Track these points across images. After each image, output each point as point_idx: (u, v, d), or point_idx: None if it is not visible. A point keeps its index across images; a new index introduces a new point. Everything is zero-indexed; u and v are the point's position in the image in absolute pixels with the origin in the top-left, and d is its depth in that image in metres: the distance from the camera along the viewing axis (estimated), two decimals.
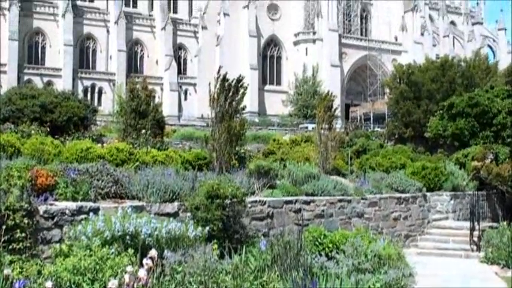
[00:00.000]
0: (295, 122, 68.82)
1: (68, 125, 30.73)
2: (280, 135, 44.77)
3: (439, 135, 32.04)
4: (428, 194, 20.07)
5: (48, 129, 25.02)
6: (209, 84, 19.89)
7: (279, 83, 79.28)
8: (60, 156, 14.81)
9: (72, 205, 9.96)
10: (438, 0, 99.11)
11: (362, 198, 16.91)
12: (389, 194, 18.40)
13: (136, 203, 11.22)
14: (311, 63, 76.03)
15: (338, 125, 57.75)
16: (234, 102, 17.36)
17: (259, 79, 75.97)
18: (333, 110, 21.38)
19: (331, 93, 22.42)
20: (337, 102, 67.38)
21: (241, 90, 17.71)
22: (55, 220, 9.57)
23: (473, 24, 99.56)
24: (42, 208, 9.44)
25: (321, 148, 20.36)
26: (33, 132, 22.67)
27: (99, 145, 18.31)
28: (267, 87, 77.85)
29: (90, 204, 10.29)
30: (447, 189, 21.05)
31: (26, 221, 8.87)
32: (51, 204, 9.74)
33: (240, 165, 17.76)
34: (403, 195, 18.70)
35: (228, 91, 17.13)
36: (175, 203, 11.57)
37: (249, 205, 12.84)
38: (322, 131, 20.67)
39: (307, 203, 14.93)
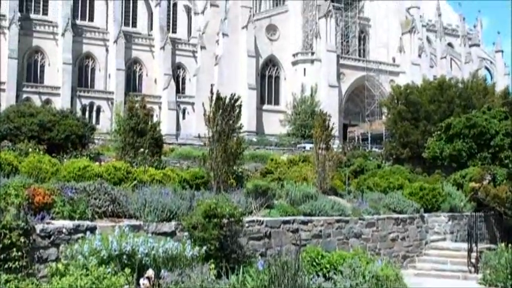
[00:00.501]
0: (293, 142, 68.88)
1: (66, 143, 30.69)
2: (278, 154, 44.80)
3: (437, 156, 32.10)
4: (426, 215, 20.03)
5: (46, 148, 24.99)
6: (203, 104, 19.91)
7: (277, 102, 79.52)
8: (58, 174, 14.80)
9: (69, 224, 9.93)
10: (435, 22, 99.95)
11: (360, 219, 16.88)
12: (387, 215, 18.37)
13: (133, 222, 11.19)
14: (309, 84, 76.38)
15: (336, 145, 57.88)
16: (230, 121, 17.39)
17: (258, 99, 76.22)
18: (330, 129, 21.42)
19: (328, 113, 22.48)
20: (335, 122, 67.68)
21: (237, 109, 17.76)
22: (52, 239, 9.53)
23: (470, 46, 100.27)
24: (39, 227, 9.40)
25: (318, 168, 20.36)
26: (30, 150, 22.65)
27: (97, 163, 18.29)
28: (265, 106, 78.07)
29: (87, 223, 10.26)
30: (445, 210, 21.03)
31: (22, 239, 8.83)
32: (48, 223, 9.70)
33: (237, 184, 17.75)
34: (400, 216, 18.66)
35: (224, 110, 17.18)
36: (173, 222, 11.54)
37: (247, 225, 12.80)
38: (320, 151, 20.68)
39: (305, 223, 14.90)
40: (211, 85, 19.38)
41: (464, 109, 43.07)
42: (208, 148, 17.70)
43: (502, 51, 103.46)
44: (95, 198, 11.46)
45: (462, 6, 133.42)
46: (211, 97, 17.11)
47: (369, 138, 71.99)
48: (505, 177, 25.88)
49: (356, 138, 75.53)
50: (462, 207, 21.79)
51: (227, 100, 17.31)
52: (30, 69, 73.21)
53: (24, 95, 69.34)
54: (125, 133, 26.38)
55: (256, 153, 46.69)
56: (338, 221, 16.02)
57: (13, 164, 14.81)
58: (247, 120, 69.93)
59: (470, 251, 17.47)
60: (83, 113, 69.89)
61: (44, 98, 70.32)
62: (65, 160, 20.24)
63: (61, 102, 68.85)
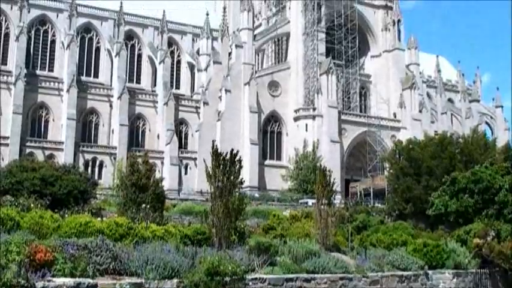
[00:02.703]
0: (295, 197, 68.59)
1: (68, 198, 30.69)
2: (280, 210, 44.55)
3: (441, 212, 31.87)
4: (430, 272, 19.78)
5: (48, 203, 24.98)
6: (204, 160, 19.98)
7: (279, 158, 79.66)
8: (59, 230, 14.74)
9: (70, 281, 9.83)
10: (435, 79, 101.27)
11: (363, 276, 16.67)
12: (391, 272, 18.14)
13: (134, 279, 11.07)
14: (311, 139, 76.72)
15: (338, 200, 57.62)
16: (231, 177, 17.43)
17: (260, 154, 76.39)
18: (332, 185, 21.42)
19: (329, 169, 22.53)
20: (336, 178, 67.68)
21: (237, 165, 17.83)
22: None
23: (470, 101, 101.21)
24: (39, 284, 9.32)
25: (321, 224, 20.26)
26: (32, 205, 22.64)
27: (99, 219, 18.25)
28: (267, 162, 78.18)
29: (88, 280, 10.16)
30: (449, 267, 20.77)
31: None
32: (48, 281, 9.62)
33: (239, 240, 17.65)
34: (404, 273, 18.42)
35: (225, 166, 17.25)
36: (175, 280, 11.42)
37: (249, 283, 12.65)
38: (322, 207, 20.63)
39: (308, 280, 14.72)
40: (213, 141, 19.53)
41: (466, 164, 43.10)
42: (210, 204, 17.68)
43: (502, 107, 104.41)
44: (97, 255, 11.39)
45: (461, 62, 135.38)
46: (212, 153, 17.22)
47: (371, 194, 71.70)
48: (509, 233, 25.67)
49: (358, 193, 75.22)
50: (467, 264, 21.52)
51: (227, 156, 17.42)
52: (34, 124, 73.83)
53: (28, 150, 69.67)
54: (126, 189, 26.42)
55: (258, 209, 46.46)
56: (342, 278, 15.84)
57: (15, 220, 14.78)
58: (249, 176, 69.88)
59: None
60: (86, 168, 70.00)
61: (47, 153, 70.63)
62: (67, 215, 20.19)
63: (64, 157, 69.17)
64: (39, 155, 68.38)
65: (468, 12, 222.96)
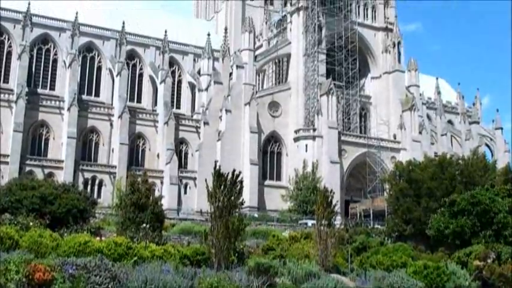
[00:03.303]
0: (295, 218, 68.41)
1: (67, 217, 30.63)
2: (280, 231, 44.46)
3: (441, 233, 31.82)
4: None
5: (48, 222, 24.95)
6: (205, 180, 19.97)
7: (279, 178, 79.58)
8: (58, 249, 14.70)
9: None
10: (435, 100, 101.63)
11: None
12: None
13: None
14: (311, 159, 76.70)
15: (338, 221, 57.47)
16: (232, 197, 17.43)
17: (259, 174, 76.32)
18: (332, 206, 21.40)
19: (331, 190, 22.52)
20: (336, 199, 67.58)
21: (239, 185, 17.84)
22: None
23: (470, 123, 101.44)
24: None
25: (320, 245, 20.21)
26: (31, 224, 22.59)
27: (98, 238, 18.20)
28: (267, 182, 78.08)
29: None
30: None
31: None
32: None
33: (239, 261, 17.59)
34: None
35: (225, 186, 17.26)
36: None
37: None
38: (322, 228, 20.59)
39: None
40: (215, 161, 19.59)
41: (466, 186, 43.10)
42: (210, 224, 17.64)
43: (502, 129, 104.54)
44: (95, 275, 11.34)
45: (461, 84, 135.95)
46: (214, 173, 17.24)
47: (371, 215, 71.54)
48: (509, 255, 25.58)
49: (358, 214, 75.03)
50: (467, 287, 21.40)
51: (229, 176, 17.43)
52: (34, 142, 73.86)
53: (27, 168, 69.61)
54: (125, 208, 26.39)
55: (258, 230, 46.36)
56: None
57: (14, 238, 14.75)
58: (249, 196, 69.72)
59: None
60: (85, 186, 69.92)
61: (47, 171, 70.58)
62: (66, 235, 20.15)
63: (64, 176, 69.11)
64: (39, 174, 68.31)
65: (468, 35, 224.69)
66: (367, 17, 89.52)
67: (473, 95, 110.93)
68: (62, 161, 71.74)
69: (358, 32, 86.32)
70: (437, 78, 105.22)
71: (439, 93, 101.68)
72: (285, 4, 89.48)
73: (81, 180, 71.49)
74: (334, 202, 21.88)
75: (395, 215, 48.82)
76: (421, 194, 46.24)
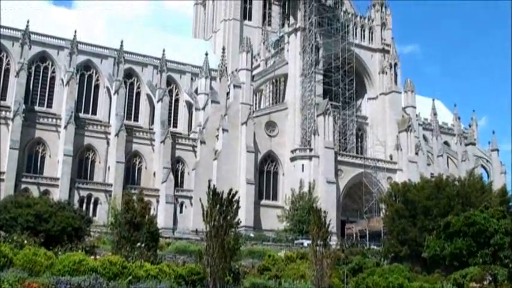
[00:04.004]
0: (291, 238, 68.19)
1: (62, 235, 30.51)
2: (276, 251, 44.28)
3: (437, 255, 31.77)
4: None
5: (42, 240, 24.83)
6: (200, 199, 19.95)
7: (275, 197, 79.44)
8: (53, 268, 14.61)
9: None
10: (431, 121, 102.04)
11: None
12: None
13: None
14: (307, 179, 76.65)
15: (334, 241, 57.34)
16: (228, 217, 17.39)
17: (256, 194, 76.20)
18: (327, 226, 21.37)
19: (325, 210, 22.51)
20: (332, 219, 67.45)
21: (235, 205, 17.81)
22: None
23: (466, 145, 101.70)
24: None
25: (316, 265, 20.13)
26: (26, 242, 22.47)
27: (92, 257, 18.10)
28: (263, 201, 77.92)
29: None
30: None
31: None
32: None
33: (234, 281, 17.51)
34: None
35: (221, 205, 17.23)
36: None
37: None
38: (318, 248, 20.53)
39: None
40: (209, 180, 19.59)
41: (463, 206, 43.14)
42: (205, 243, 17.58)
43: (498, 150, 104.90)
44: None
45: (458, 106, 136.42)
46: (209, 192, 17.23)
47: (367, 235, 71.37)
48: (506, 277, 25.53)
49: (354, 235, 74.85)
50: None
51: (225, 195, 17.42)
52: (30, 159, 73.68)
53: (23, 186, 69.36)
54: (120, 226, 26.29)
55: (254, 249, 46.21)
56: None
57: (8, 257, 14.66)
58: (244, 215, 69.57)
59: None
60: (81, 204, 69.69)
61: (42, 189, 70.29)
62: (60, 253, 20.04)
63: (59, 194, 68.84)
64: (35, 191, 68.11)
65: (465, 56, 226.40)
66: (364, 38, 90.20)
67: (469, 117, 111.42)
68: (58, 179, 71.54)
69: (355, 53, 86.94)
70: (433, 100, 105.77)
71: (435, 114, 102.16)
72: (283, 25, 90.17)
73: (76, 198, 71.25)
74: (329, 222, 21.83)
75: (391, 236, 48.79)
76: (417, 214, 46.24)
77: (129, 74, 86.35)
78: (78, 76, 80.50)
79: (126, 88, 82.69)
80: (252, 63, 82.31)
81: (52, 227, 31.24)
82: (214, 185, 17.61)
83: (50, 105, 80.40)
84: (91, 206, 72.67)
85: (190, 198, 75.98)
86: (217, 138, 78.35)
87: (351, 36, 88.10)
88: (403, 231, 45.38)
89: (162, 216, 72.42)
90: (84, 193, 72.82)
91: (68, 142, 72.70)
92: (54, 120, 75.83)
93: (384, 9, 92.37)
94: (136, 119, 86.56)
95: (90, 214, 67.87)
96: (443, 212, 42.17)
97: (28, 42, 76.59)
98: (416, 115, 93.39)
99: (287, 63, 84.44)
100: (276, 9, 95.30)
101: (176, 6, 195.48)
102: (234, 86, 79.49)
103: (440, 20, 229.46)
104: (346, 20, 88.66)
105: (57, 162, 73.35)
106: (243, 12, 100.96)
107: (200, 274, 17.33)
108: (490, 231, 30.47)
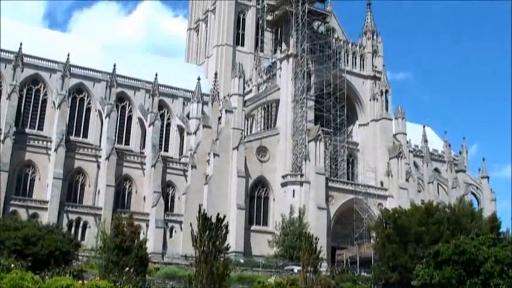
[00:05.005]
0: (281, 264, 67.75)
1: (50, 259, 30.23)
2: (266, 277, 43.98)
3: (426, 284, 31.65)
4: None
5: (30, 264, 24.58)
6: (190, 224, 19.85)
7: (265, 223, 79.12)
8: None
9: None
10: (422, 148, 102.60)
11: None
12: None
13: None
14: (298, 205, 76.46)
15: (324, 268, 57.08)
16: (217, 242, 17.34)
17: (246, 219, 75.90)
18: (317, 253, 21.32)
19: (316, 236, 22.48)
20: (323, 245, 67.26)
21: (224, 230, 17.78)
22: None
23: (457, 171, 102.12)
24: None
25: None
26: (13, 266, 22.23)
27: (80, 282, 17.91)
28: (254, 227, 77.57)
29: None
30: None
31: None
32: None
33: None
34: None
35: (211, 230, 17.18)
36: None
37: None
38: (308, 274, 20.45)
39: None
40: (200, 205, 19.55)
41: (453, 233, 43.16)
42: (195, 269, 17.47)
43: (488, 177, 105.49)
44: None
45: (449, 133, 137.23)
46: (199, 217, 17.19)
47: (358, 262, 71.05)
48: None
49: (344, 261, 74.48)
50: None
51: (214, 220, 17.38)
52: (20, 182, 73.23)
53: (11, 208, 68.80)
54: (109, 251, 26.09)
55: (243, 275, 45.90)
56: None
57: None
58: (234, 241, 69.23)
59: None
60: (69, 228, 69.11)
61: (31, 212, 69.71)
62: (47, 277, 19.79)
63: (48, 217, 68.35)
64: (23, 214, 67.59)
65: (456, 85, 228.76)
66: (355, 65, 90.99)
67: (460, 144, 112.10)
68: (47, 202, 71.00)
69: (346, 79, 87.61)
70: (424, 127, 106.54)
71: (425, 141, 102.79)
72: (275, 51, 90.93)
73: (65, 221, 70.66)
74: (319, 248, 21.79)
75: (381, 262, 48.65)
76: (407, 240, 46.19)
77: (121, 98, 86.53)
78: (70, 99, 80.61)
79: (117, 112, 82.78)
80: (244, 89, 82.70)
81: (40, 250, 30.97)
82: (204, 210, 17.57)
83: (41, 128, 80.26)
84: (80, 229, 72.05)
85: (180, 222, 75.55)
86: (209, 163, 78.27)
87: (342, 63, 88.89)
88: (393, 257, 45.28)
89: (152, 241, 71.79)
90: (73, 216, 72.26)
91: (58, 165, 72.35)
92: (44, 142, 75.60)
93: (375, 37, 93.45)
94: (127, 142, 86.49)
95: (79, 238, 67.41)
96: (434, 239, 42.15)
97: (21, 64, 76.75)
98: (407, 142, 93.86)
99: (279, 89, 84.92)
100: (268, 36, 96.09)
101: (169, 31, 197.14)
102: (226, 111, 79.70)
103: (433, 48, 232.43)
104: (337, 47, 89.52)
105: (47, 185, 72.93)
106: (235, 38, 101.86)
107: None
108: (480, 259, 30.42)
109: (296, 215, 75.58)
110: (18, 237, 31.68)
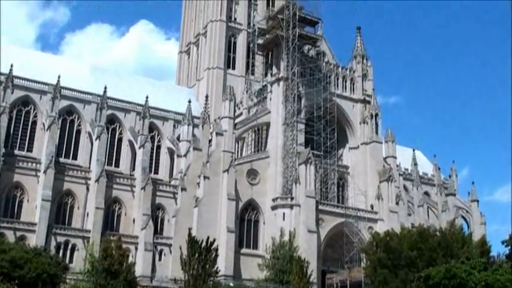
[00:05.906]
0: (271, 287, 67.18)
1: (37, 282, 29.88)
2: None
3: None
4: None
5: (16, 287, 24.27)
6: (180, 248, 19.74)
7: (255, 246, 78.61)
8: None
9: None
10: (412, 172, 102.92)
11: None
12: None
13: None
14: (288, 228, 76.04)
15: None
16: (207, 266, 17.20)
17: (236, 242, 75.40)
18: (308, 277, 21.15)
19: (306, 260, 22.34)
20: (313, 269, 66.88)
21: (213, 253, 17.64)
22: None
23: (446, 195, 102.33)
24: None
25: None
26: None
27: None
28: (243, 250, 77.04)
29: None
30: None
31: None
32: None
33: None
34: None
35: (200, 254, 17.06)
36: None
37: None
38: None
39: None
40: (189, 228, 19.42)
41: (445, 257, 43.09)
42: None
43: (478, 201, 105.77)
44: None
45: (439, 156, 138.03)
46: (189, 241, 17.05)
47: (348, 286, 70.65)
48: None
49: (335, 285, 74.03)
50: None
51: (203, 244, 17.24)
52: (8, 204, 72.60)
53: None
54: (97, 274, 25.82)
55: None
56: None
57: None
58: (224, 264, 68.67)
59: None
60: (57, 251, 68.38)
61: (18, 234, 68.86)
62: None
63: (36, 239, 67.62)
64: (11, 236, 66.78)
65: (446, 109, 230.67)
66: (345, 88, 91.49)
67: (449, 167, 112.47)
68: (35, 224, 70.27)
69: (336, 103, 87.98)
70: (414, 150, 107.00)
71: (415, 164, 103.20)
72: (266, 74, 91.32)
73: (53, 244, 69.91)
74: (310, 272, 21.64)
75: (372, 287, 48.34)
76: (399, 264, 46.02)
77: (111, 120, 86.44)
78: (60, 121, 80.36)
79: (108, 134, 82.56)
80: (234, 112, 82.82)
81: (27, 273, 30.61)
82: (193, 234, 17.44)
83: (30, 150, 79.86)
84: (68, 252, 71.21)
85: (169, 245, 74.94)
86: (199, 186, 77.96)
87: (332, 86, 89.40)
88: (384, 282, 45.06)
89: (141, 264, 71.07)
90: (61, 239, 71.49)
91: (47, 187, 71.82)
92: (33, 164, 75.16)
93: (365, 61, 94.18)
94: (117, 164, 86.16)
95: (67, 261, 66.71)
96: (426, 264, 42.04)
97: (11, 86, 76.56)
98: (397, 165, 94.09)
99: (269, 112, 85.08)
100: (259, 59, 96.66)
101: (162, 54, 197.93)
102: (217, 134, 79.65)
103: (424, 72, 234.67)
104: (328, 71, 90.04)
105: (35, 207, 72.29)
106: (226, 61, 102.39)
107: None
108: (471, 284, 30.38)
109: (286, 238, 75.16)
110: (5, 260, 31.31)
